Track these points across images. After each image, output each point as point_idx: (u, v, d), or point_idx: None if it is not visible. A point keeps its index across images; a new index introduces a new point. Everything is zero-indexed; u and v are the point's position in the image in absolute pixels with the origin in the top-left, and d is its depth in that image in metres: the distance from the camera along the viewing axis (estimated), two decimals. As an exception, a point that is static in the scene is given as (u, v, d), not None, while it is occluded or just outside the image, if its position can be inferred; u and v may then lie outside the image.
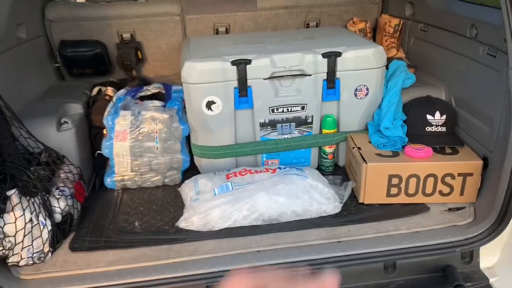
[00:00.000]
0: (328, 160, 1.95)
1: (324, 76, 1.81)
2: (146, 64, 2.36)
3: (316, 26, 2.36)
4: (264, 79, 1.76)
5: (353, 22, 2.25)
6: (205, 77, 1.72)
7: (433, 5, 2.07)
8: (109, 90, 2.08)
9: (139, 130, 1.79)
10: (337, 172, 1.98)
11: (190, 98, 1.77)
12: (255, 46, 1.90)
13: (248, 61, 1.74)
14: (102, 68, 2.23)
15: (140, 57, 2.25)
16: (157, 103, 1.98)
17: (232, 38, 2.10)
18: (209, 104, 1.77)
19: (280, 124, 1.87)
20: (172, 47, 2.29)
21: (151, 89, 2.02)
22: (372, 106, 1.90)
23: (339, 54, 1.78)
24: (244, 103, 1.81)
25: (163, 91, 2.01)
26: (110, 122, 1.79)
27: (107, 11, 2.14)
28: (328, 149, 1.93)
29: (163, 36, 2.24)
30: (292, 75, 1.78)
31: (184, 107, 1.91)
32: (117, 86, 2.15)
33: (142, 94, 2.00)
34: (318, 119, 1.90)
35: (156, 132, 1.80)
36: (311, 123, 1.89)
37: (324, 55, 1.77)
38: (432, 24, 2.04)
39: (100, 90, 2.12)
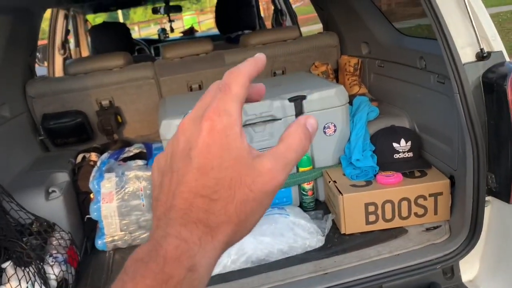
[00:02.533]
0: (308, 197, 2.04)
1: (293, 118, 1.94)
2: (126, 126, 2.47)
3: (282, 73, 2.52)
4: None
5: (315, 66, 2.43)
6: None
7: (385, 43, 2.26)
8: (93, 156, 2.17)
9: (124, 190, 1.87)
10: (319, 207, 2.07)
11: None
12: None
13: (304, 97, 1.86)
14: (84, 135, 2.34)
15: (120, 121, 2.37)
16: (140, 162, 2.08)
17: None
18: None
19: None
20: (150, 108, 2.42)
21: (133, 150, 2.12)
22: (341, 141, 2.03)
23: (304, 97, 1.92)
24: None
25: (145, 150, 2.11)
26: (96, 186, 1.87)
27: (85, 82, 2.28)
28: (306, 186, 2.02)
29: (140, 99, 2.38)
30: (263, 121, 1.91)
31: (166, 163, 2.00)
32: (100, 151, 2.25)
33: (125, 155, 2.10)
34: (294, 159, 2.01)
35: (141, 190, 1.89)
36: (288, 163, 1.99)
37: (290, 100, 1.91)
38: (387, 60, 2.22)
39: (84, 157, 2.21)
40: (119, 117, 2.35)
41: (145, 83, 2.35)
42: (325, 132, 1.99)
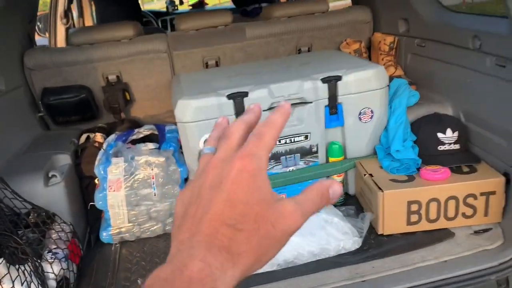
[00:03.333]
0: (338, 190, 1.84)
1: (326, 102, 1.72)
2: (135, 105, 2.26)
3: (308, 51, 2.29)
4: (264, 110, 1.67)
5: (347, 44, 2.19)
6: (200, 114, 1.62)
7: (428, 19, 2.02)
8: (98, 136, 1.97)
9: (134, 177, 1.67)
10: (349, 202, 1.87)
11: (186, 137, 1.66)
12: (250, 77, 1.82)
13: (245, 94, 1.65)
14: (89, 113, 2.13)
15: (128, 98, 2.15)
16: (151, 145, 1.87)
17: (224, 71, 2.01)
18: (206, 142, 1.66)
19: (284, 156, 1.76)
20: (161, 85, 2.20)
21: (143, 131, 1.91)
22: (378, 128, 1.81)
23: (339, 78, 1.70)
24: (244, 138, 1.71)
25: (156, 132, 1.90)
26: (102, 172, 1.67)
27: (90, 54, 2.06)
28: (337, 178, 1.82)
29: (151, 75, 2.16)
30: (292, 104, 1.69)
31: (181, 148, 1.80)
32: (106, 131, 2.04)
33: (134, 137, 1.89)
34: (324, 147, 1.80)
35: (153, 178, 1.69)
36: (316, 152, 1.79)
37: (323, 80, 1.69)
38: (430, 38, 1.99)
39: (88, 137, 2.00)
40: (127, 94, 2.13)
41: (157, 57, 2.12)
42: (360, 119, 1.77)
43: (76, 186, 1.83)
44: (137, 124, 2.26)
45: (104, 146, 1.79)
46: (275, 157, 1.76)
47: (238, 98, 1.64)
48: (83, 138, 2.01)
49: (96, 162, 1.72)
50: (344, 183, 1.86)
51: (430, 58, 2.00)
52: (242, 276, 0.42)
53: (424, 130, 1.76)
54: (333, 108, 1.74)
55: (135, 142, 1.91)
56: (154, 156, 1.69)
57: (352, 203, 1.85)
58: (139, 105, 2.26)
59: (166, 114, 2.28)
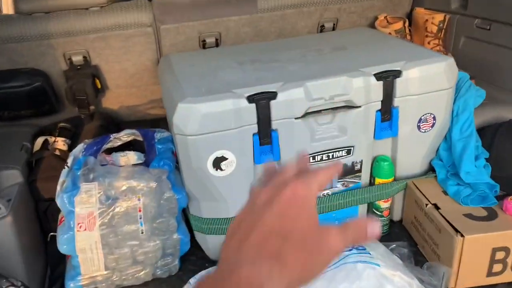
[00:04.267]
0: (383, 218, 1.43)
1: (378, 105, 1.29)
2: (107, 94, 1.75)
3: (333, 28, 1.82)
4: (296, 118, 1.22)
5: (387, 22, 1.73)
6: (211, 123, 1.15)
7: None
8: (59, 143, 1.46)
9: (113, 210, 1.20)
10: (394, 231, 1.47)
11: (188, 155, 1.20)
12: (271, 67, 1.35)
13: (272, 95, 1.18)
14: (45, 106, 1.60)
15: (99, 86, 1.63)
16: (132, 155, 1.40)
17: (230, 54, 1.53)
18: (218, 162, 1.20)
19: (318, 178, 1.33)
20: (143, 69, 1.69)
21: (122, 137, 1.42)
22: (438, 139, 1.40)
23: (398, 73, 1.26)
24: (268, 154, 1.25)
25: (140, 138, 1.42)
26: (67, 203, 1.18)
27: (46, 26, 1.51)
28: (383, 204, 1.41)
29: (129, 56, 1.64)
30: (333, 108, 1.25)
31: (176, 163, 1.33)
32: (70, 133, 1.53)
33: (109, 145, 1.40)
34: (369, 164, 1.38)
35: (139, 210, 1.22)
36: (360, 170, 1.36)
37: (378, 77, 1.25)
38: (500, 20, 1.56)
39: (46, 142, 1.49)
40: (97, 81, 1.61)
41: (138, 32, 1.60)
42: (419, 127, 1.35)
43: (29, 214, 1.34)
44: (111, 119, 1.76)
45: (69, 161, 1.29)
46: (307, 179, 1.32)
47: (262, 101, 1.18)
48: (38, 142, 1.49)
49: (58, 187, 1.23)
50: (391, 207, 1.45)
51: (496, 45, 1.58)
52: (287, 287, 0.43)
53: (503, 143, 1.36)
54: (387, 113, 1.31)
55: (110, 150, 1.42)
56: (141, 179, 1.22)
57: (398, 234, 1.45)
58: (113, 94, 1.74)
59: (148, 105, 1.79)
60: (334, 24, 1.81)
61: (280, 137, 1.23)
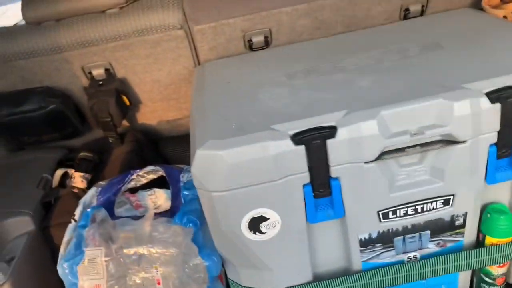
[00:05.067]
0: (495, 287, 1.03)
1: (493, 137, 0.87)
2: (142, 109, 1.48)
3: (421, 13, 1.38)
4: (367, 162, 0.85)
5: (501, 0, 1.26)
6: (242, 176, 0.83)
7: None
8: (77, 179, 1.23)
9: (125, 284, 0.94)
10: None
11: (215, 215, 0.89)
12: (331, 81, 0.98)
13: (330, 132, 0.82)
14: (68, 129, 1.38)
15: (128, 103, 1.38)
16: (161, 194, 1.13)
17: (280, 59, 1.17)
18: (256, 223, 0.89)
19: (401, 237, 0.96)
20: (180, 79, 1.40)
21: (146, 174, 1.15)
22: None
23: (526, 89, 0.84)
24: (326, 209, 0.91)
25: (163, 174, 1.13)
26: (68, 273, 0.94)
27: (59, 37, 1.27)
28: (496, 270, 1.01)
29: (159, 64, 1.35)
30: (422, 145, 0.86)
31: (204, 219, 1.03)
32: (92, 164, 1.29)
33: (131, 185, 1.14)
34: (476, 216, 0.98)
35: (159, 283, 0.94)
36: (462, 226, 0.97)
37: (493, 97, 0.83)
38: None
39: (66, 175, 1.27)
40: (124, 98, 1.36)
41: (167, 36, 1.30)
42: (556, 165, 0.92)
43: (41, 270, 1.13)
44: (147, 138, 1.50)
45: (77, 212, 1.05)
46: (384, 240, 0.96)
47: (315, 142, 0.83)
48: (57, 176, 1.27)
49: (61, 249, 0.99)
50: (508, 271, 1.05)
51: None
52: None
53: None
54: (507, 148, 0.89)
55: (135, 190, 1.16)
56: (158, 244, 0.93)
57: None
58: (149, 109, 1.48)
59: (188, 119, 1.50)
60: (423, 6, 1.36)
61: (344, 186, 0.87)
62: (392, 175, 0.89)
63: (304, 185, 0.87)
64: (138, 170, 1.13)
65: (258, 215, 0.88)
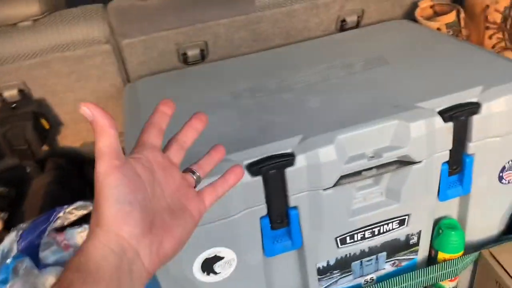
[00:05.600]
0: (447, 300, 1.05)
1: (445, 155, 0.87)
2: (64, 131, 1.34)
3: (357, 24, 1.38)
4: (325, 189, 0.81)
5: (432, 10, 1.29)
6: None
7: None
8: (-9, 220, 1.06)
9: None
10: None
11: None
12: (281, 102, 0.93)
13: (288, 160, 0.77)
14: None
15: (48, 127, 1.22)
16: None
17: (221, 78, 1.10)
18: (209, 264, 0.81)
19: (359, 261, 0.94)
20: (107, 97, 1.27)
21: (74, 211, 1.02)
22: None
23: (475, 107, 0.84)
24: (284, 241, 0.85)
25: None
26: None
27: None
28: (448, 284, 1.02)
29: (83, 82, 1.22)
30: (378, 167, 0.84)
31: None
32: (7, 201, 1.13)
33: (58, 224, 1.00)
34: (429, 233, 0.98)
35: None
36: (417, 244, 0.96)
37: (446, 116, 0.83)
38: None
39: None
40: (43, 121, 1.20)
41: (91, 52, 1.17)
42: (501, 178, 0.94)
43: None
44: (71, 163, 1.36)
45: (-7, 263, 0.90)
46: (343, 265, 0.93)
47: (274, 171, 0.77)
48: (-36, 216, 1.10)
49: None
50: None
51: None
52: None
53: None
54: (457, 165, 0.90)
55: (62, 228, 1.02)
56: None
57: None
58: (72, 131, 1.33)
59: (119, 138, 1.37)
60: (358, 18, 1.37)
61: (302, 215, 0.83)
62: (350, 199, 0.85)
63: (261, 218, 0.81)
64: (65, 206, 1.00)
65: (212, 255, 0.80)
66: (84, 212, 1.02)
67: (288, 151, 0.77)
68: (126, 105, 1.07)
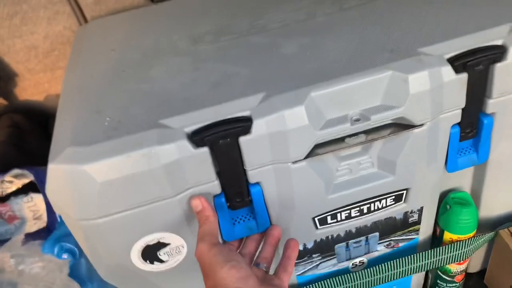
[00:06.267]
0: (453, 284, 0.89)
1: (456, 116, 0.68)
2: (20, 83, 1.18)
3: None
4: (295, 162, 0.64)
5: None
6: (121, 197, 0.59)
7: None
8: None
9: None
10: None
11: (92, 247, 0.66)
12: (247, 47, 0.74)
13: (243, 127, 0.59)
14: None
15: (-4, 77, 1.07)
16: (40, 200, 0.88)
17: (185, 17, 0.89)
18: (152, 251, 0.66)
19: (344, 243, 0.78)
20: (63, 42, 1.10)
21: (14, 179, 0.88)
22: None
23: (499, 52, 0.64)
24: (246, 222, 0.70)
25: (33, 178, 0.87)
26: None
27: None
28: (456, 267, 0.86)
29: (30, 25, 1.04)
30: (368, 132, 0.66)
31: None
32: None
33: (-4, 194, 0.87)
34: (434, 208, 0.80)
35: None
36: (417, 222, 0.79)
37: (458, 65, 0.63)
38: None
39: None
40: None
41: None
42: (528, 144, 0.75)
43: None
44: (30, 120, 1.21)
45: None
46: (324, 248, 0.77)
47: (223, 141, 0.60)
48: None
49: None
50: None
51: None
52: None
53: None
54: (471, 128, 0.71)
55: (7, 197, 0.89)
56: (29, 283, 0.69)
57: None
58: (30, 82, 1.17)
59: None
60: None
61: (267, 192, 0.66)
62: (330, 173, 0.68)
63: (215, 197, 0.65)
64: (1, 175, 0.86)
65: (154, 242, 0.65)
66: (26, 181, 0.88)
67: (245, 114, 0.60)
68: (71, 53, 0.90)
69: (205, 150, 0.59)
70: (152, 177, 0.58)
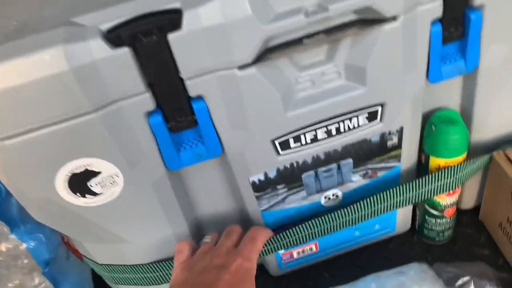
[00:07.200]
0: (443, 220, 0.80)
1: (436, 9, 0.57)
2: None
3: None
4: (241, 67, 0.54)
5: None
6: (26, 110, 0.50)
7: None
8: None
9: None
10: (462, 231, 0.84)
11: (6, 175, 0.57)
12: None
13: (170, 21, 0.49)
14: None
15: None
16: None
17: None
18: (80, 181, 0.57)
19: (312, 172, 0.68)
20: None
21: None
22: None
23: None
24: (194, 147, 0.61)
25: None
26: None
27: None
28: (445, 199, 0.76)
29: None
30: (329, 31, 0.55)
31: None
32: None
33: None
34: (417, 130, 0.70)
35: None
36: (398, 146, 0.70)
37: None
38: None
39: None
40: None
41: None
42: (526, 47, 0.64)
43: None
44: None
45: None
46: (288, 177, 0.68)
47: (149, 38, 0.50)
48: None
49: None
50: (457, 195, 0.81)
51: None
52: None
53: None
54: (456, 25, 0.60)
55: None
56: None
57: (472, 237, 0.83)
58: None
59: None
60: None
61: (212, 110, 0.57)
62: (288, 84, 0.58)
63: (149, 114, 0.55)
64: None
65: (81, 170, 0.56)
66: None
67: (174, 6, 0.49)
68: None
69: (125, 50, 0.49)
70: (61, 84, 0.48)
